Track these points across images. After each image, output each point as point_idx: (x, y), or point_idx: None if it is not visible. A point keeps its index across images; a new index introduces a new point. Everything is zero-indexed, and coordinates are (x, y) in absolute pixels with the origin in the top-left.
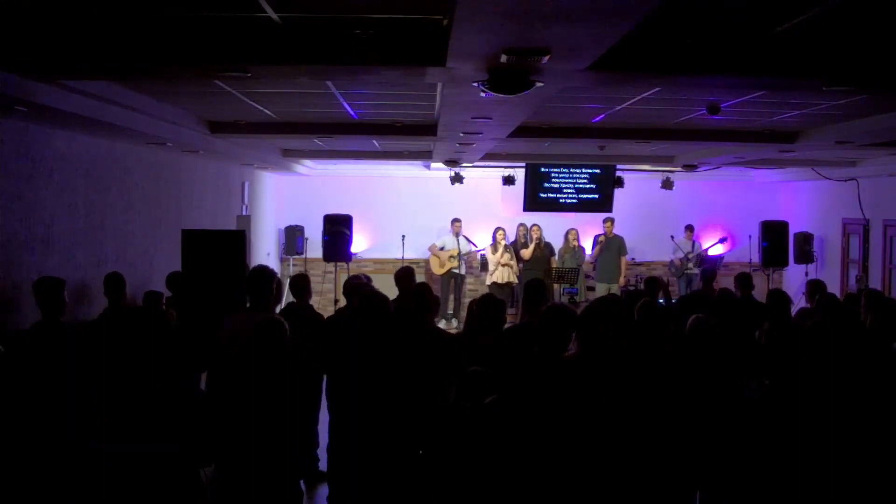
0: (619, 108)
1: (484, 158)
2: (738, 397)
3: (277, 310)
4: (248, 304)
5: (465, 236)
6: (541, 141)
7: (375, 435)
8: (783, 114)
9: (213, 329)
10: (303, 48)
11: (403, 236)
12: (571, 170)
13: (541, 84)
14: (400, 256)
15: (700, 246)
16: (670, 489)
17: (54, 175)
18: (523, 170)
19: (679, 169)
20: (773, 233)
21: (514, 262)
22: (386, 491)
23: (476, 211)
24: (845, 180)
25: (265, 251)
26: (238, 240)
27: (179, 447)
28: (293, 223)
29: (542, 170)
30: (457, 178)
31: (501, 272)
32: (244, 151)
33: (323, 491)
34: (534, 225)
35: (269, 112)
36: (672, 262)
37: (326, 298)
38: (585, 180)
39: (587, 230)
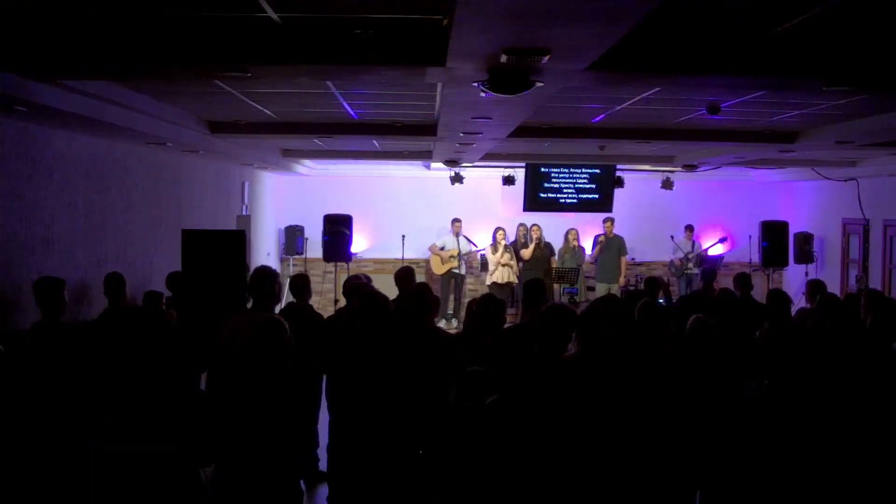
0: (619, 108)
1: (484, 158)
2: (738, 397)
3: (277, 310)
4: (249, 305)
5: (465, 236)
6: (541, 141)
7: (375, 435)
8: (783, 114)
9: (213, 329)
10: (303, 48)
11: (403, 236)
12: (571, 170)
13: (541, 84)
14: (400, 256)
15: (700, 246)
16: (670, 489)
17: (54, 175)
18: (523, 170)
19: (679, 169)
20: (773, 233)
21: (514, 262)
22: (386, 491)
23: (476, 211)
24: (845, 180)
25: (265, 251)
26: (238, 240)
27: (179, 447)
28: (293, 223)
29: (542, 170)
30: (457, 178)
31: (501, 272)
32: (244, 151)
33: (323, 491)
34: (534, 225)
35: (269, 112)
36: (672, 262)
37: (326, 298)
38: (585, 180)
39: (587, 230)
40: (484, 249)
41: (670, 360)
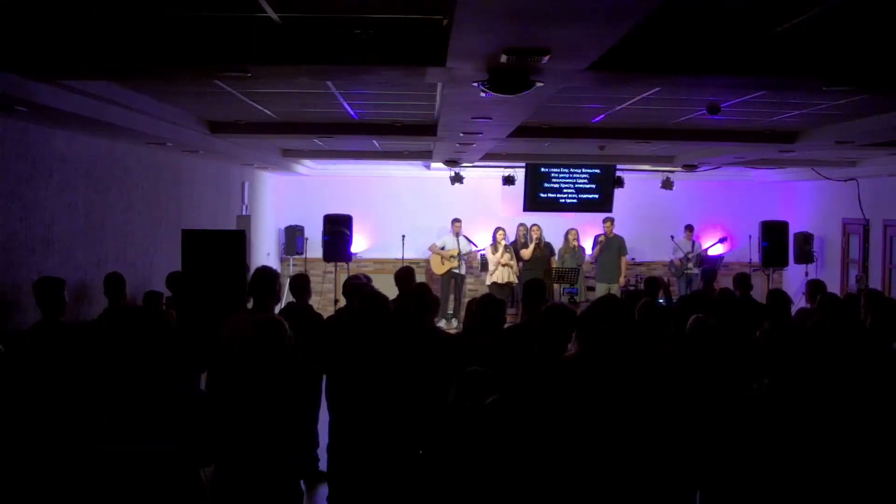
0: (619, 108)
1: (484, 158)
2: (738, 397)
3: (277, 310)
4: (250, 305)
5: (465, 236)
6: (541, 141)
7: (375, 435)
8: (783, 114)
9: (213, 329)
10: (303, 48)
11: (403, 236)
12: (571, 170)
13: (541, 84)
14: (400, 256)
15: (700, 246)
16: (670, 489)
17: (54, 175)
18: (523, 170)
19: (679, 169)
20: (773, 233)
21: (514, 262)
22: (386, 491)
23: (476, 211)
24: (845, 180)
25: (265, 251)
26: (238, 240)
27: (179, 447)
28: (293, 223)
29: (542, 170)
30: (457, 178)
31: (501, 272)
32: (244, 151)
33: (323, 491)
34: (534, 225)
35: (269, 112)
36: (672, 262)
37: (326, 298)
38: (585, 180)
39: (587, 230)
40: (484, 249)
41: (670, 360)
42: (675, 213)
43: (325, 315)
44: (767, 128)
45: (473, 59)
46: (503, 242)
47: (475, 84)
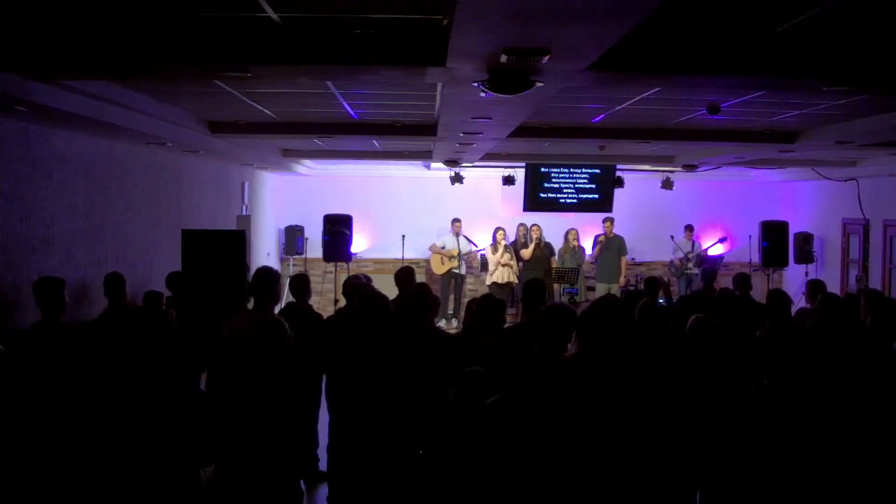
0: (619, 108)
1: (484, 158)
2: (738, 397)
3: (277, 310)
4: (251, 305)
5: (465, 236)
6: (541, 141)
7: (375, 435)
8: (783, 114)
9: (213, 329)
10: (303, 48)
11: (403, 236)
12: (571, 170)
13: (541, 84)
14: (400, 256)
15: (700, 246)
16: (670, 489)
17: (54, 175)
18: (523, 170)
19: (679, 169)
20: (773, 233)
21: (514, 262)
22: (386, 491)
23: (476, 211)
24: (845, 180)
25: (265, 251)
26: (238, 240)
27: (179, 447)
28: (293, 223)
29: (542, 170)
30: (457, 178)
31: (501, 272)
32: (244, 151)
33: (323, 491)
34: (534, 225)
35: (269, 112)
36: (672, 262)
37: (326, 298)
38: (585, 180)
39: (587, 230)
40: (484, 249)
41: (670, 360)
42: (675, 213)
43: (325, 315)
44: (767, 128)
45: (473, 59)
46: (503, 242)
47: (475, 84)
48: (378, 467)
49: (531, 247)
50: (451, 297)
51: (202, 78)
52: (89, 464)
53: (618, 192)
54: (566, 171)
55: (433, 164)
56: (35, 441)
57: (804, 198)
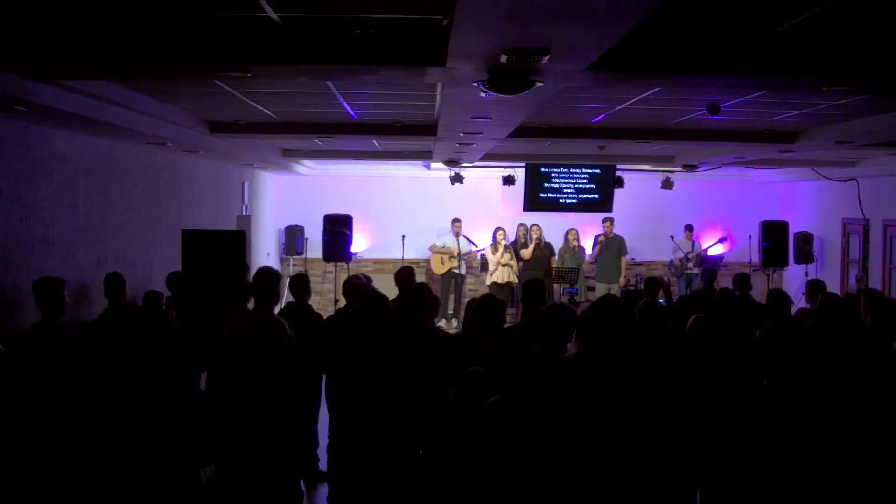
0: (619, 108)
1: (484, 158)
2: (738, 397)
3: (276, 310)
4: (251, 305)
5: (465, 236)
6: (541, 141)
7: (375, 435)
8: (783, 114)
9: (213, 329)
10: (303, 48)
11: (403, 236)
12: (571, 170)
13: (541, 84)
14: (400, 256)
15: (700, 246)
16: (670, 489)
17: (54, 175)
18: (523, 170)
19: (679, 169)
20: (773, 233)
21: (514, 262)
22: (386, 491)
23: (476, 211)
24: (845, 180)
25: (265, 251)
26: (238, 240)
27: (179, 447)
28: (293, 223)
29: (542, 170)
30: (457, 178)
31: (501, 272)
32: (244, 151)
33: (323, 491)
34: (534, 225)
35: (269, 112)
36: (672, 262)
37: (326, 298)
38: (585, 180)
39: (587, 230)
40: (484, 249)
41: (670, 360)
42: (675, 213)
43: (325, 315)
44: (767, 128)
45: (473, 59)
46: (503, 242)
47: (475, 84)
48: (378, 467)
49: (531, 247)
50: (451, 297)
51: (202, 78)
52: (89, 464)
53: (618, 192)
54: (566, 171)
55: (433, 164)
56: (35, 441)
57: (804, 198)
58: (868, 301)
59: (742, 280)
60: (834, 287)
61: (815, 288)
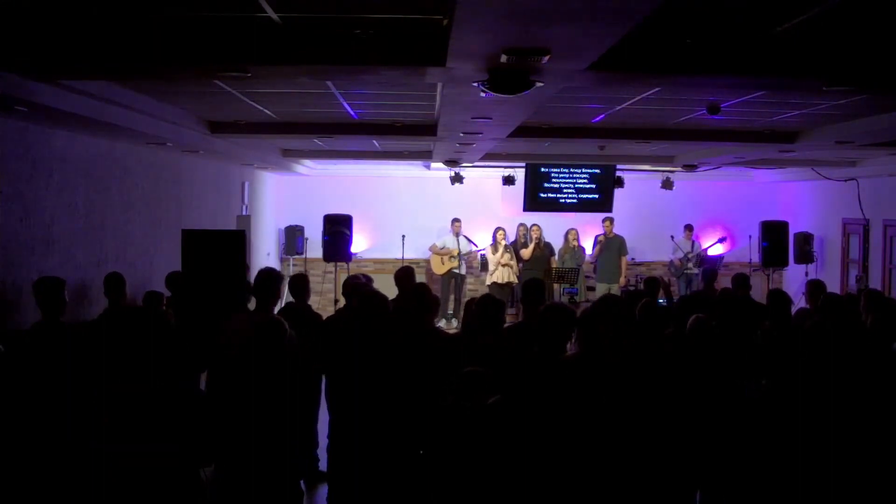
0: (619, 108)
1: (484, 158)
2: (737, 397)
3: (276, 310)
4: (252, 305)
5: (465, 236)
6: (541, 141)
7: (375, 435)
8: (783, 114)
9: (213, 329)
10: (303, 48)
11: (403, 236)
12: (571, 170)
13: (541, 84)
14: (400, 256)
15: (700, 246)
16: (670, 489)
17: (54, 175)
18: (523, 170)
19: (679, 169)
20: (773, 233)
21: (514, 262)
22: (386, 491)
23: (476, 211)
24: (845, 180)
25: (265, 251)
26: (238, 240)
27: (179, 447)
28: (293, 223)
29: (542, 170)
30: (457, 178)
31: (501, 272)
32: (244, 151)
33: (323, 491)
34: (534, 225)
35: (269, 112)
36: (672, 262)
37: (326, 298)
38: (585, 180)
39: (587, 230)
40: (484, 249)
41: (670, 360)
42: (675, 213)
43: (325, 315)
44: (767, 128)
45: (473, 59)
46: (503, 242)
47: (475, 84)
48: (378, 467)
49: (531, 247)
50: (451, 297)
51: (202, 78)
52: (89, 464)
53: (618, 192)
54: (566, 171)
55: (433, 164)
56: (35, 441)
57: (804, 198)
58: (868, 301)
59: (741, 280)
60: (834, 287)
61: (815, 288)
